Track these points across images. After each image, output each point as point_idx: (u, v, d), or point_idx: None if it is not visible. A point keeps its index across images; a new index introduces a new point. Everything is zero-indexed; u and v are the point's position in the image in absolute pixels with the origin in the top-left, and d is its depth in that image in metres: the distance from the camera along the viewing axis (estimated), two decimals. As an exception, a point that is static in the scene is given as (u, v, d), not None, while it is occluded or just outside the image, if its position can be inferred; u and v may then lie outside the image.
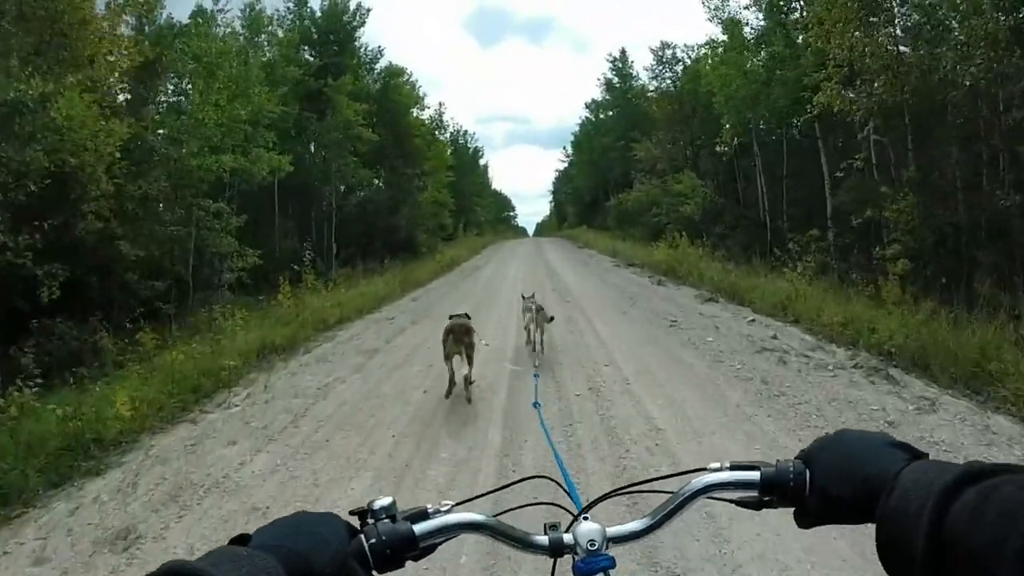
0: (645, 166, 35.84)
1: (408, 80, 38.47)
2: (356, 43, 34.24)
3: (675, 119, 32.92)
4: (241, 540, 0.73)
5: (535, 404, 3.62)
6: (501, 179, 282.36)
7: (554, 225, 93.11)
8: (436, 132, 46.86)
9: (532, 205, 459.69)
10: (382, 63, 36.20)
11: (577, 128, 63.77)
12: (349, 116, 27.56)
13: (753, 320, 11.98)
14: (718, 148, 28.06)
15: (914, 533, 0.64)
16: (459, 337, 7.18)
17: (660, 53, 37.64)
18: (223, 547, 0.70)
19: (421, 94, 41.09)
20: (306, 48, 31.27)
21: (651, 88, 37.73)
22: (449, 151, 54.57)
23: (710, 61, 28.28)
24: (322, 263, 27.58)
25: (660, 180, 31.88)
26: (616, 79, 48.64)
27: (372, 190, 32.42)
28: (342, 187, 29.96)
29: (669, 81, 37.20)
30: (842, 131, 21.31)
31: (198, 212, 16.22)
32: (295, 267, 19.49)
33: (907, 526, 0.66)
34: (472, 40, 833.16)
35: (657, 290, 16.86)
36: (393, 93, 35.83)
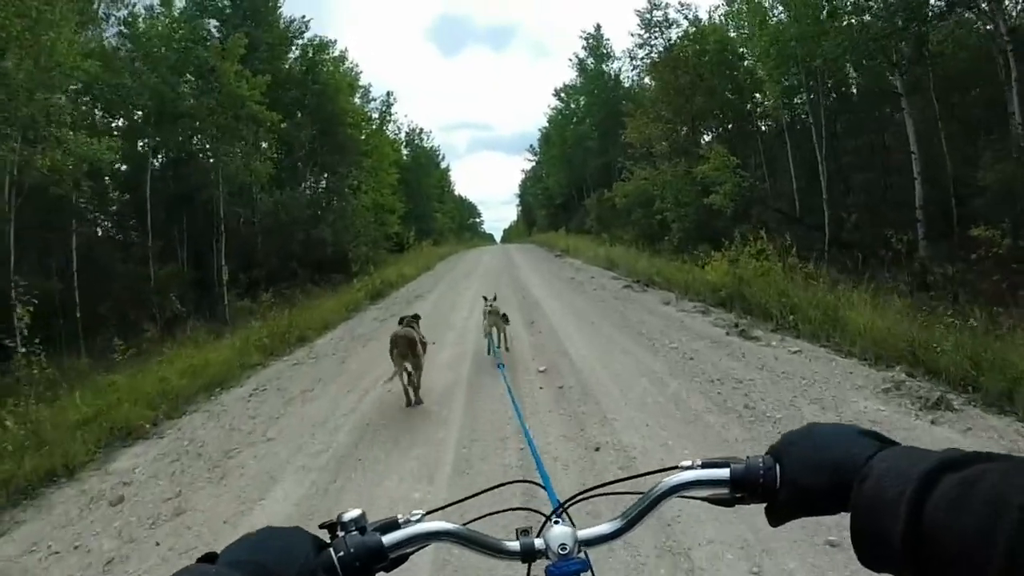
0: (637, 151, 28.15)
1: (340, 57, 30.36)
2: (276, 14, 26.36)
3: (676, 91, 24.92)
4: (209, 558, 0.70)
5: (500, 366, 3.08)
6: (466, 186, 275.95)
7: (522, 230, 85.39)
8: (382, 124, 38.98)
9: (498, 211, 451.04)
10: (308, 36, 28.08)
11: (540, 131, 56.77)
12: (239, 90, 19.32)
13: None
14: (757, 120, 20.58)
15: (892, 521, 0.61)
16: (402, 351, 6.63)
17: (648, 16, 29.80)
18: (191, 566, 0.67)
19: (357, 74, 33.13)
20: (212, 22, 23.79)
21: (639, 57, 29.50)
22: (402, 149, 46.90)
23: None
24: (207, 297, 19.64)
25: (661, 166, 23.96)
26: (591, 60, 40.72)
27: (285, 194, 24.05)
28: (232, 189, 21.52)
29: (660, 49, 29.36)
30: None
31: None
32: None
33: (884, 514, 0.63)
34: (434, 48, 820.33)
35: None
36: (319, 72, 27.69)
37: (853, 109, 21.03)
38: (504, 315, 9.03)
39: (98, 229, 19.49)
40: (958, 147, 15.81)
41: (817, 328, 8.50)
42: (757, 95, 24.59)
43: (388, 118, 41.28)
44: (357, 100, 34.99)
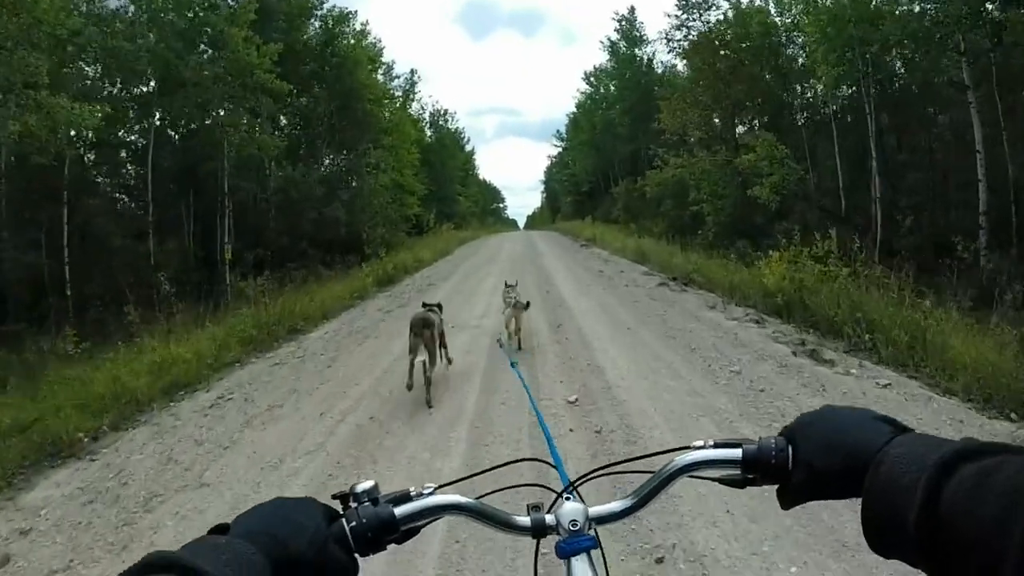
0: (671, 139, 26.37)
1: (362, 31, 28.74)
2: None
3: (716, 75, 23.03)
4: (220, 530, 0.70)
5: (512, 364, 2.62)
6: (491, 171, 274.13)
7: (546, 217, 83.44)
8: (405, 103, 37.43)
9: (523, 197, 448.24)
10: (327, 7, 26.40)
11: (568, 117, 54.88)
12: (248, 58, 17.83)
13: None
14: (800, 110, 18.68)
15: (906, 507, 0.61)
16: (419, 331, 6.30)
17: (687, -4, 27.81)
18: (203, 537, 0.67)
19: (379, 50, 31.55)
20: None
21: (677, 38, 27.47)
22: (425, 130, 45.31)
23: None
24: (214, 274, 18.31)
25: (696, 153, 22.18)
26: (623, 43, 38.74)
27: (298, 170, 22.52)
28: (239, 163, 20.04)
29: (698, 32, 27.39)
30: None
31: None
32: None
33: (898, 500, 0.62)
34: (463, 32, 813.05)
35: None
36: (338, 45, 26.11)
37: (903, 102, 19.08)
38: (527, 303, 8.45)
39: (97, 201, 18.07)
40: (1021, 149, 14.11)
41: (903, 353, 6.82)
42: (799, 86, 22.85)
43: (412, 97, 39.77)
44: (380, 77, 33.64)
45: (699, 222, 22.99)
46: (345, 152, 27.07)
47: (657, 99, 28.65)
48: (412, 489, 0.86)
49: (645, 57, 37.79)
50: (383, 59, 33.29)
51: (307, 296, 12.80)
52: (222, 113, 18.64)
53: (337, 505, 0.81)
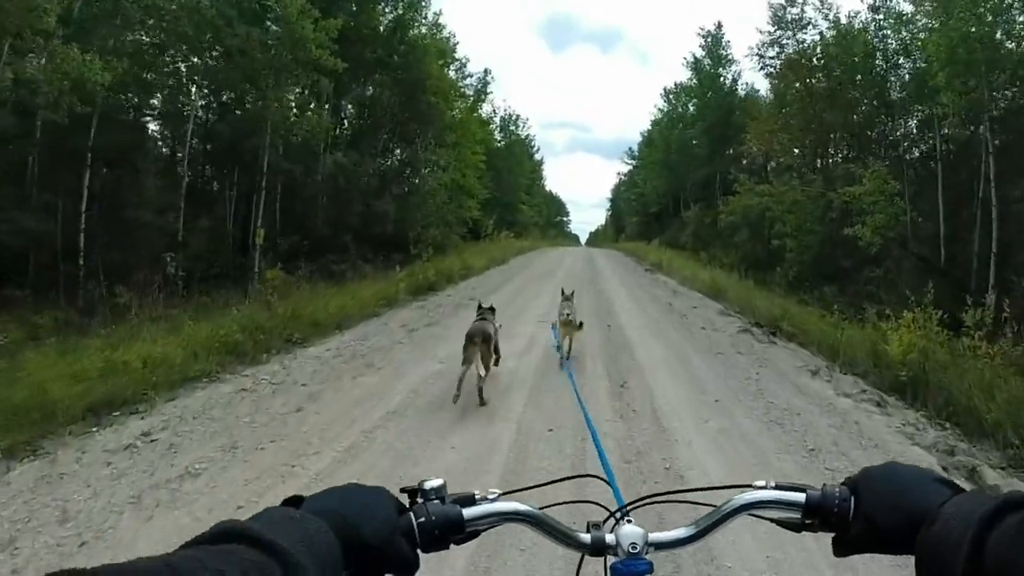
0: (753, 163, 23.98)
1: (435, 22, 27.05)
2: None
3: (812, 97, 20.46)
4: (294, 502, 0.70)
5: (570, 375, 3.06)
6: (558, 184, 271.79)
7: (610, 236, 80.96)
8: (476, 103, 35.68)
9: (587, 214, 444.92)
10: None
11: (642, 135, 52.51)
12: (302, 31, 16.14)
13: None
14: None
15: (954, 561, 0.60)
16: (478, 343, 6.15)
17: (782, 11, 25.19)
18: (276, 507, 0.67)
19: (453, 44, 29.86)
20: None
21: (769, 56, 24.87)
22: (495, 133, 43.50)
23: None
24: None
25: (791, 183, 19.70)
26: (707, 60, 36.21)
27: (349, 158, 20.76)
28: (284, 141, 18.39)
29: (791, 51, 24.81)
30: None
31: None
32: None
33: (947, 555, 0.62)
34: (543, 43, 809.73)
35: None
36: (408, 33, 24.41)
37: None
38: (581, 323, 8.11)
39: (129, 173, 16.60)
40: None
41: None
42: (905, 118, 20.20)
43: (483, 98, 38.00)
44: (452, 74, 32.03)
45: (776, 258, 20.56)
46: (405, 145, 25.36)
47: (740, 122, 26.38)
48: (477, 493, 0.85)
49: (730, 76, 35.29)
50: (456, 55, 31.74)
51: (325, 298, 10.89)
52: (270, 86, 17.01)
53: (404, 499, 0.80)
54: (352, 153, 21.85)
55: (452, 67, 31.67)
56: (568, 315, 7.71)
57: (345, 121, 25.82)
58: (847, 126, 20.56)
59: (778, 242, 19.20)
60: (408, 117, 24.66)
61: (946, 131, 15.24)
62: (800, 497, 0.84)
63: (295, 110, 17.35)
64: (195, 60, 17.14)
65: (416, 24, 25.18)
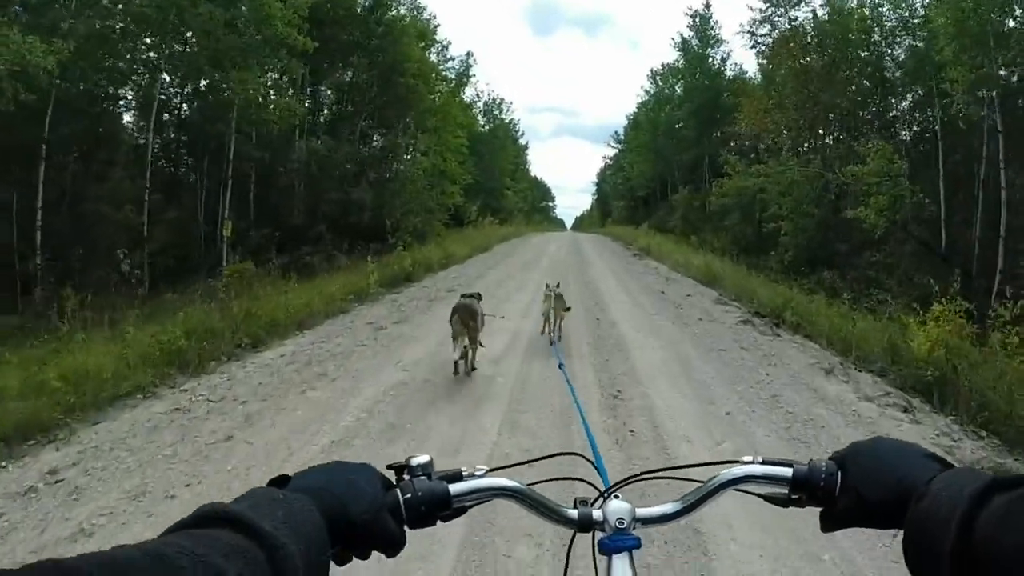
0: (743, 144, 23.11)
1: (413, 3, 26.04)
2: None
3: (807, 76, 19.55)
4: (280, 482, 0.69)
5: (560, 366, 2.72)
6: (544, 169, 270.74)
7: (596, 220, 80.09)
8: (459, 86, 34.69)
9: (573, 199, 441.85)
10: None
11: (628, 118, 51.86)
12: (268, 8, 15.11)
13: None
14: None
15: (943, 537, 0.60)
16: (464, 319, 6.37)
17: (775, -14, 24.25)
18: (261, 488, 0.65)
19: (434, 27, 28.99)
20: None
21: (761, 33, 23.93)
22: (478, 117, 42.44)
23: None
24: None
25: (788, 163, 18.80)
26: (695, 40, 35.20)
27: (324, 143, 19.75)
28: (253, 128, 17.39)
29: (784, 27, 23.92)
30: None
31: None
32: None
33: (936, 531, 0.62)
34: (527, 28, 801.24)
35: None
36: (385, 13, 23.32)
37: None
38: (568, 308, 8.26)
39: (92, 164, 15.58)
40: None
41: None
42: (905, 97, 19.33)
43: (466, 81, 36.92)
44: (433, 57, 31.02)
45: (768, 242, 19.76)
46: (384, 131, 24.28)
47: (728, 103, 25.58)
48: (464, 469, 0.83)
49: (718, 57, 34.35)
50: (437, 37, 30.76)
51: (289, 294, 9.93)
52: (236, 68, 15.98)
53: (391, 476, 0.78)
54: (328, 139, 20.84)
55: (433, 50, 30.82)
56: (554, 290, 8.00)
57: (325, 107, 24.86)
58: (841, 105, 19.67)
59: (773, 225, 18.35)
60: (387, 101, 23.60)
61: (958, 106, 14.28)
62: (787, 472, 0.82)
63: (264, 94, 16.30)
64: (161, 45, 16.08)
65: (394, 4, 24.07)
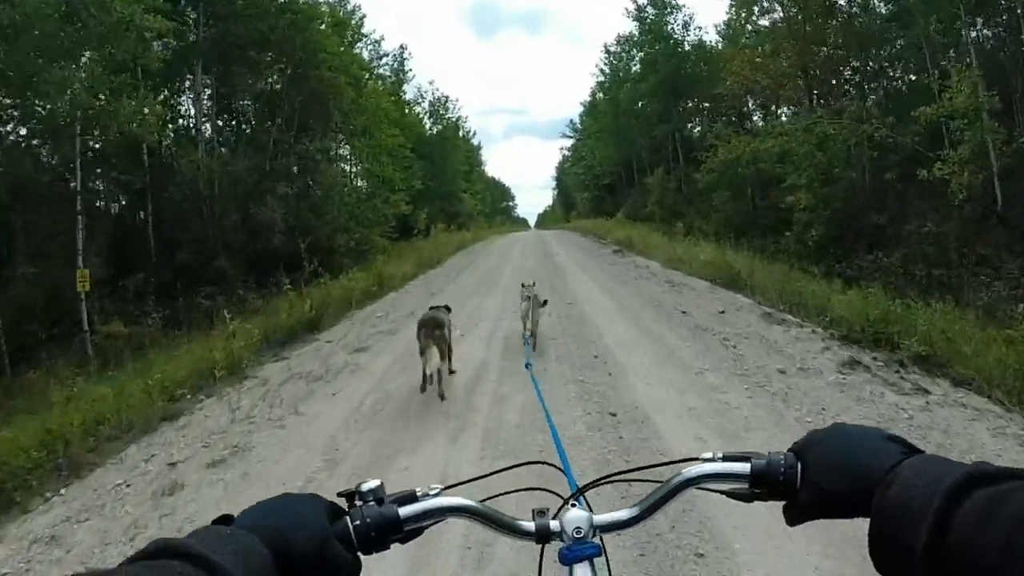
0: (723, 111, 19.33)
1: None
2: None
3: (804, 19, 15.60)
4: (224, 520, 0.68)
5: (527, 366, 2.74)
6: (501, 171, 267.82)
7: (559, 215, 76.33)
8: (398, 84, 31.01)
9: (534, 196, 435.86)
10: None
11: (583, 105, 49.24)
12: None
13: None
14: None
15: (916, 531, 0.58)
16: (429, 332, 6.00)
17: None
18: (207, 527, 0.65)
19: (360, 17, 25.24)
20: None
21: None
22: (424, 121, 38.45)
23: None
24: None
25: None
26: (651, 7, 31.30)
27: (216, 157, 15.43)
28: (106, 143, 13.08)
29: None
30: None
31: None
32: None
33: (908, 522, 0.60)
34: (469, 31, 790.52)
35: None
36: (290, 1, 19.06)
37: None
38: (546, 301, 8.19)
39: None
40: None
41: None
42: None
43: (403, 76, 32.95)
44: (365, 54, 27.22)
45: (764, 218, 15.92)
46: (305, 136, 20.02)
47: (695, 72, 21.87)
48: (418, 489, 0.83)
49: (679, 23, 30.51)
50: (363, 31, 26.89)
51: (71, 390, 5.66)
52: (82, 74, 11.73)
53: (343, 503, 0.77)
54: (224, 152, 16.56)
55: (361, 45, 27.24)
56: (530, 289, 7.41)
57: (237, 118, 20.64)
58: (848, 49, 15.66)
59: (790, 198, 14.27)
60: (302, 101, 19.30)
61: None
62: (745, 467, 0.81)
63: (106, 95, 11.92)
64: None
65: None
